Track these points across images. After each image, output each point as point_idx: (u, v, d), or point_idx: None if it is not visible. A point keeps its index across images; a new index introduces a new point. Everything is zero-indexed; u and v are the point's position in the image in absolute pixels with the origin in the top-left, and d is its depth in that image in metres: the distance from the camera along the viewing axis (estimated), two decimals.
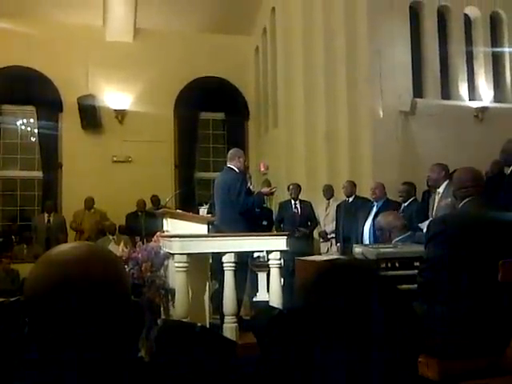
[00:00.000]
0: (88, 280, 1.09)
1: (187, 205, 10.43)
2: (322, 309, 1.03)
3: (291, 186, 9.06)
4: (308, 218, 8.99)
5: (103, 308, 1.08)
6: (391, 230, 4.47)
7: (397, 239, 4.36)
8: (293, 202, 9.00)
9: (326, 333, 1.01)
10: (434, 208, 6.03)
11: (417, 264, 3.51)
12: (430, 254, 2.97)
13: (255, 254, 6.69)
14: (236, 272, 5.16)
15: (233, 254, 5.06)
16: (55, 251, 1.16)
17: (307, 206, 9.01)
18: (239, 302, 5.53)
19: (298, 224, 8.75)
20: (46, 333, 1.07)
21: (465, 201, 3.08)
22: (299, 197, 9.04)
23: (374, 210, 7.39)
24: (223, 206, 6.10)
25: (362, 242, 7.06)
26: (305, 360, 1.04)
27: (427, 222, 4.31)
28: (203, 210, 7.95)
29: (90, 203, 11.02)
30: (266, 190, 6.70)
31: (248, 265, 6.30)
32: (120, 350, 1.10)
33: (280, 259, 5.26)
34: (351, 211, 8.17)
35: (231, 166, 6.23)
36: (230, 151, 6.49)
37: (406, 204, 7.28)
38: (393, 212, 5.49)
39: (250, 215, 6.11)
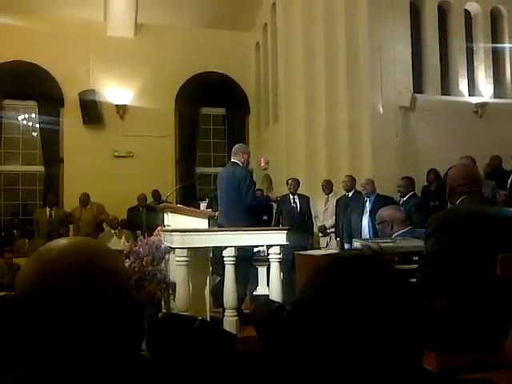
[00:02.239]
0: (71, 274, 1.06)
1: (188, 199, 10.48)
2: (332, 299, 1.03)
3: (290, 181, 9.09)
4: (306, 212, 9.03)
5: (90, 303, 1.06)
6: (393, 222, 4.48)
7: (396, 234, 4.37)
8: (291, 196, 9.03)
9: (333, 324, 1.01)
10: None
11: (416, 258, 3.53)
12: (429, 250, 2.98)
13: (255, 249, 6.71)
14: (238, 267, 5.19)
15: (233, 248, 5.09)
16: (43, 247, 1.14)
17: (305, 201, 9.05)
18: (241, 296, 5.56)
19: (297, 218, 8.78)
20: (35, 330, 1.06)
21: (461, 198, 3.10)
22: (298, 191, 9.08)
23: (368, 204, 7.53)
24: (229, 200, 6.01)
25: (361, 236, 7.11)
26: (309, 353, 1.05)
27: None
28: (203, 205, 7.98)
29: (85, 201, 10.91)
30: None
31: (250, 260, 6.31)
32: (117, 344, 1.09)
33: (280, 253, 5.28)
34: (351, 206, 8.21)
35: (235, 161, 6.17)
36: (235, 146, 6.41)
37: (404, 198, 7.32)
38: (393, 205, 5.54)
39: (255, 212, 6.10)
